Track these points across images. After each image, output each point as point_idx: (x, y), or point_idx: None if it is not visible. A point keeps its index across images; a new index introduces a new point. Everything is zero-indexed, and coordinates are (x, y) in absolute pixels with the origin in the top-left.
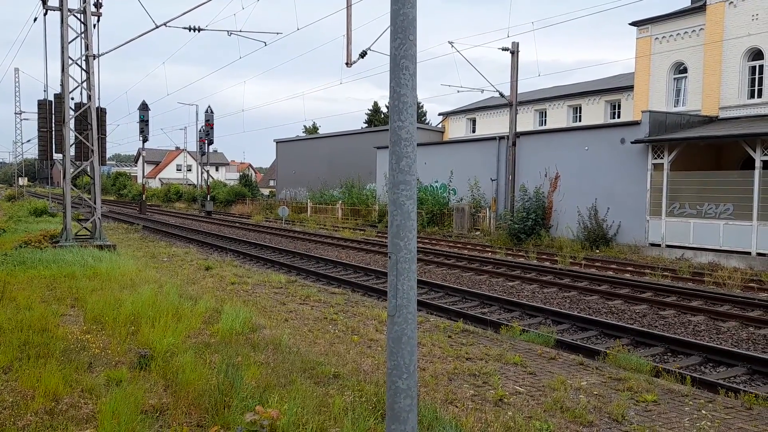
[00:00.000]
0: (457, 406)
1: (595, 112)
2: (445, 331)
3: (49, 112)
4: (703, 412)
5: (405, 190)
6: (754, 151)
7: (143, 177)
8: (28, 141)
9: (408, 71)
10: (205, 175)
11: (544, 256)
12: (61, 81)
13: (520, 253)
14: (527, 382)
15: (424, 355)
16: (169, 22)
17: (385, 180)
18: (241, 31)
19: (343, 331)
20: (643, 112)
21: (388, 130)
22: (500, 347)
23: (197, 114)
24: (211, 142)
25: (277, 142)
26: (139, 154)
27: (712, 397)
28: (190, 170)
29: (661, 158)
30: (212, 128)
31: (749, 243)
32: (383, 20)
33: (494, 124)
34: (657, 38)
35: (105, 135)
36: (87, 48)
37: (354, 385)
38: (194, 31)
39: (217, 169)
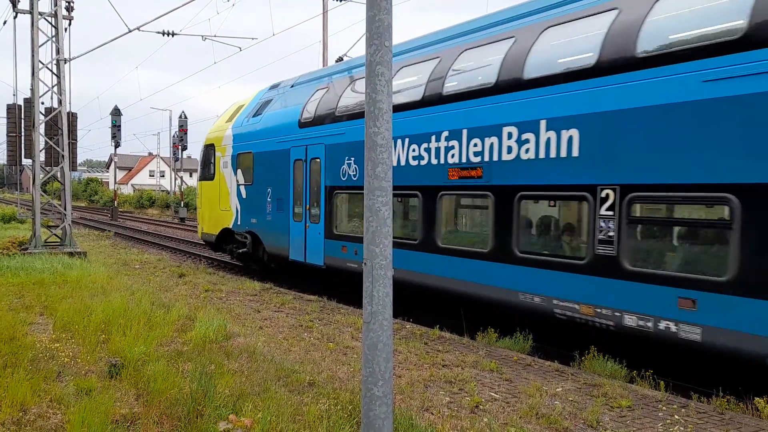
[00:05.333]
0: (433, 413)
1: None
2: (422, 338)
3: (19, 116)
4: (677, 417)
5: (381, 196)
6: None
7: (115, 183)
8: None
9: (383, 77)
10: (178, 181)
11: None
12: (31, 85)
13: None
14: (503, 388)
15: (401, 362)
16: (142, 26)
17: None
18: (215, 36)
19: (318, 339)
20: None
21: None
22: (476, 354)
23: (171, 119)
24: (185, 148)
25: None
26: (111, 159)
27: (686, 402)
28: (163, 176)
29: None
30: (186, 134)
31: None
32: (359, 26)
33: None
34: None
35: (76, 140)
36: (58, 52)
37: (329, 393)
38: (168, 35)
39: (191, 175)
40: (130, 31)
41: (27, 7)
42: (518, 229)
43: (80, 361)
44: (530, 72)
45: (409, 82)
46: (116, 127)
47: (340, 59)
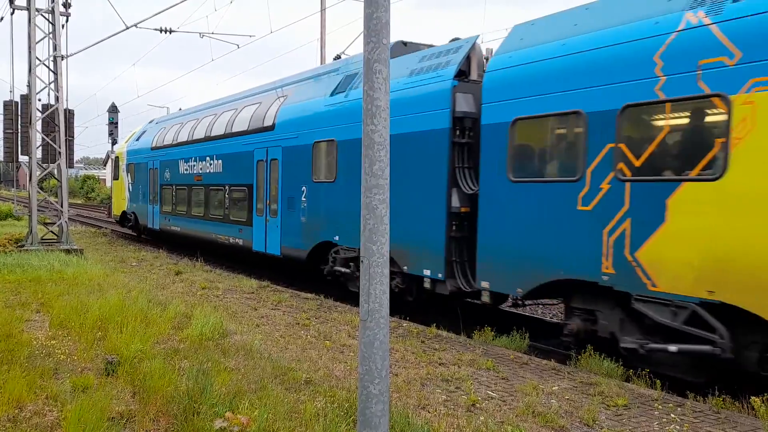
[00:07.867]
0: (429, 412)
1: None
2: (418, 336)
3: (16, 113)
4: (672, 416)
5: (378, 194)
6: None
7: (112, 180)
8: None
9: (381, 75)
10: None
11: None
12: (28, 82)
13: None
14: (500, 387)
15: (397, 360)
16: (140, 23)
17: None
18: (213, 33)
19: (315, 337)
20: None
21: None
22: (473, 352)
23: None
24: None
25: None
26: (107, 157)
27: (682, 401)
28: None
29: None
30: None
31: None
32: (358, 24)
33: None
34: None
35: (73, 137)
36: (55, 48)
37: (326, 391)
38: (166, 32)
39: None
40: (127, 28)
41: (24, 4)
42: (210, 205)
43: (76, 358)
44: (215, 132)
45: (185, 131)
46: (113, 125)
47: (338, 57)
